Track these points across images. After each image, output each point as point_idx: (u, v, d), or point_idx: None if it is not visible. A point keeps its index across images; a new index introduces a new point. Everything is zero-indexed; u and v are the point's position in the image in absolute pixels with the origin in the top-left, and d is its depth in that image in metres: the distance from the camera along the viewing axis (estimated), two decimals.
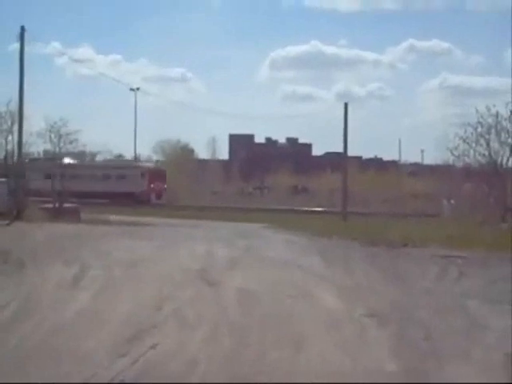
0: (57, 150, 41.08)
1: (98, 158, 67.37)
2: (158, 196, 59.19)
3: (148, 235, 22.61)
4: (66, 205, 34.81)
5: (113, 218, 30.89)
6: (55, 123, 39.65)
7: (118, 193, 55.53)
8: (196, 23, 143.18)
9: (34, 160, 50.94)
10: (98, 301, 11.01)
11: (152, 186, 59.17)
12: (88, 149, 58.68)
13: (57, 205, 34.62)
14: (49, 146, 42.20)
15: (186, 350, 8.00)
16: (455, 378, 7.16)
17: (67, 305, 10.59)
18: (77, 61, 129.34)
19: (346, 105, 45.82)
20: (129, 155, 77.39)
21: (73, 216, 31.53)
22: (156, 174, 61.01)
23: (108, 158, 70.69)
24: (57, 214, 31.64)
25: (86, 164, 63.68)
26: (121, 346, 8.09)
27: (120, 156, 78.51)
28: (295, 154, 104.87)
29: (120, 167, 62.85)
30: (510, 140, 26.35)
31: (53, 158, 43.57)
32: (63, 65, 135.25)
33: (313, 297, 11.45)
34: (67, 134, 40.40)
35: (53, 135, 40.06)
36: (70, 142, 41.04)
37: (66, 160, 55.23)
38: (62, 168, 46.11)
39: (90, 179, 57.55)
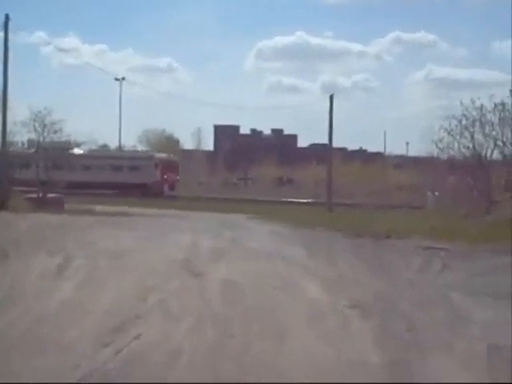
0: (41, 139, 40.81)
1: (83, 148, 66.70)
2: (171, 187, 58.00)
3: (133, 226, 22.57)
4: (51, 195, 34.68)
5: (98, 208, 30.79)
6: (39, 112, 39.42)
7: (130, 184, 54.35)
8: (183, 13, 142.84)
9: (42, 150, 50.32)
10: (82, 291, 11.00)
11: (165, 177, 58.14)
12: (72, 138, 58.22)
13: (41, 195, 34.51)
14: (33, 136, 41.92)
15: (170, 341, 8.01)
16: (438, 368, 7.22)
17: (51, 295, 10.57)
18: (62, 50, 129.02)
19: (331, 96, 45.84)
20: (113, 145, 77.24)
21: (57, 206, 31.44)
22: (169, 165, 59.91)
23: (93, 147, 70.01)
24: (41, 204, 31.52)
25: (96, 154, 62.09)
26: (105, 336, 8.10)
27: (105, 146, 78.13)
28: (280, 146, 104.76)
29: (132, 158, 61.27)
30: (494, 133, 26.51)
31: (64, 147, 43.34)
32: (49, 54, 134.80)
33: (297, 288, 11.48)
34: (52, 124, 40.15)
35: (37, 124, 39.82)
36: (55, 132, 40.77)
37: (76, 150, 54.84)
38: (72, 158, 46.01)
39: (100, 169, 56.73)
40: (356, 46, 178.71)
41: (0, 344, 7.85)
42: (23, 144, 51.68)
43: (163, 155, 63.85)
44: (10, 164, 34.99)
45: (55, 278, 11.98)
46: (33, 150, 43.21)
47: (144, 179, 56.01)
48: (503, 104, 25.63)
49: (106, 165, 57.88)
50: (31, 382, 6.76)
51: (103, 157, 61.04)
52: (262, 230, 21.68)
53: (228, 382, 6.92)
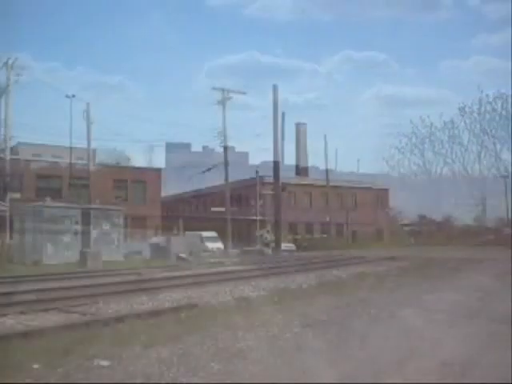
0: None
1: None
2: None
3: None
4: None
5: None
6: None
7: None
8: (135, 32, 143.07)
9: None
10: None
11: None
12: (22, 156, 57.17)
13: None
14: None
15: None
16: None
17: None
18: (13, 67, 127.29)
19: (282, 114, 46.25)
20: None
21: None
22: None
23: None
24: None
25: None
26: None
27: (56, 163, 77.14)
28: (232, 163, 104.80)
29: None
30: (443, 150, 26.86)
31: None
32: None
33: None
34: None
35: None
36: (3, 149, 40.35)
37: None
38: None
39: None
40: (307, 65, 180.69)
41: None
42: None
43: None
44: None
45: None
46: None
47: None
48: (452, 122, 26.01)
49: None
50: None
51: None
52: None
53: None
